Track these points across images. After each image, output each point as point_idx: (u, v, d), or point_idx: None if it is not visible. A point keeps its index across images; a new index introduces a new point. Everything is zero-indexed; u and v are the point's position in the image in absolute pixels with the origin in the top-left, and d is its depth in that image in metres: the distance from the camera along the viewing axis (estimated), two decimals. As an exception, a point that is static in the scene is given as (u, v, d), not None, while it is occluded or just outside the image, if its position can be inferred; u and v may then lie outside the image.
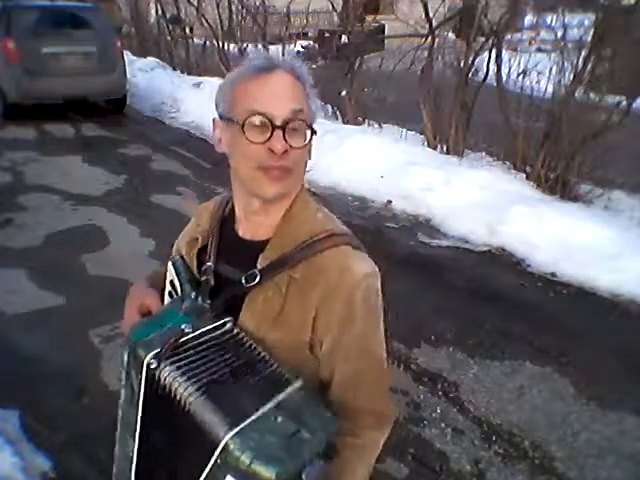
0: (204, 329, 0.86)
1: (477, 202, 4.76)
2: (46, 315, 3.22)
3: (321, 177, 5.35)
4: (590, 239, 4.03)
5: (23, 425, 2.38)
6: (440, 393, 2.68)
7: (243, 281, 0.91)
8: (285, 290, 0.90)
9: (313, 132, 0.91)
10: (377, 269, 0.94)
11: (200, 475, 0.77)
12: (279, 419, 0.76)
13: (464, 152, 5.97)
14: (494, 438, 2.42)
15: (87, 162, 6.22)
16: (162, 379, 0.79)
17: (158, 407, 0.82)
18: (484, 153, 5.99)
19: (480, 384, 2.75)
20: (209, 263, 0.97)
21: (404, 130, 6.65)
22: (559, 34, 5.24)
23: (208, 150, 6.90)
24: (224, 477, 0.74)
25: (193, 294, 0.94)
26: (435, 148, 6.15)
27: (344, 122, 7.25)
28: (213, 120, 0.96)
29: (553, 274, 3.88)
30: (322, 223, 0.96)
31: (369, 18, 8.65)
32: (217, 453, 0.74)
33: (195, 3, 10.43)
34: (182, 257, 1.03)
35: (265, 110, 0.86)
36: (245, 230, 0.99)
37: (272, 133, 0.86)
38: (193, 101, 8.81)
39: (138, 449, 0.88)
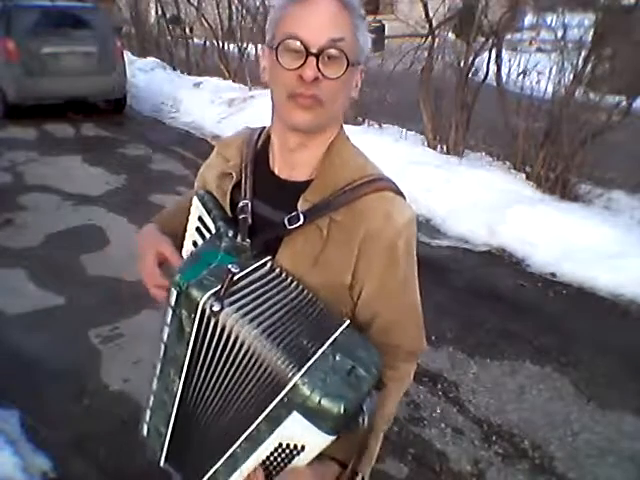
0: (250, 268, 0.86)
1: (477, 202, 4.76)
2: (46, 315, 3.22)
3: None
4: (590, 239, 4.03)
5: (23, 425, 2.38)
6: (440, 393, 2.68)
7: (286, 222, 0.89)
8: (326, 232, 0.89)
9: (351, 64, 0.85)
10: (415, 214, 0.96)
11: (259, 413, 0.80)
12: (337, 357, 0.79)
13: (464, 152, 5.97)
14: (494, 438, 2.42)
15: (87, 162, 6.22)
16: (222, 321, 0.80)
17: (210, 346, 0.83)
18: (484, 153, 5.99)
19: (480, 384, 2.75)
20: (246, 201, 0.94)
21: (404, 130, 6.65)
22: (559, 34, 5.24)
23: (208, 150, 6.88)
24: (289, 413, 0.77)
25: (230, 232, 0.91)
26: (435, 148, 6.15)
27: (344, 122, 7.25)
28: (262, 49, 0.94)
29: (553, 274, 3.88)
30: (363, 166, 0.95)
31: (369, 18, 8.65)
32: (285, 391, 0.76)
33: (195, 3, 10.44)
34: (209, 192, 1.00)
35: (301, 35, 0.83)
36: (281, 168, 0.96)
37: (305, 60, 0.82)
38: (193, 101, 8.82)
39: (183, 387, 0.88)
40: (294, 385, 0.76)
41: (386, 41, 9.77)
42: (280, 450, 0.81)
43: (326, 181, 0.92)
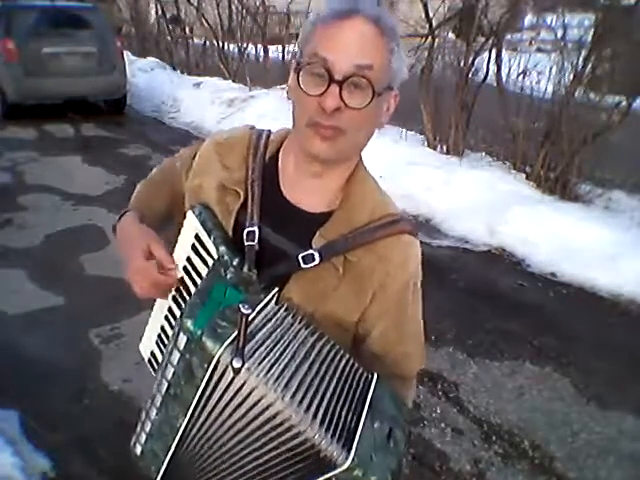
0: (260, 306, 0.80)
1: (477, 202, 4.76)
2: (46, 315, 3.22)
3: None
4: (590, 239, 4.03)
5: (23, 425, 2.38)
6: (440, 393, 2.68)
7: (300, 261, 0.85)
8: (342, 271, 0.86)
9: (377, 94, 0.79)
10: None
11: None
12: (375, 425, 0.77)
13: (464, 152, 5.97)
14: (494, 438, 2.42)
15: (87, 162, 6.22)
16: (242, 378, 0.73)
17: (224, 397, 0.77)
18: (484, 153, 5.99)
19: (480, 384, 2.75)
20: (253, 228, 0.87)
21: (404, 130, 6.65)
22: (559, 34, 5.24)
23: (208, 150, 6.89)
24: None
25: (235, 261, 0.85)
26: (435, 148, 6.15)
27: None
28: (292, 67, 0.87)
29: (553, 274, 3.88)
30: (383, 204, 0.92)
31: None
32: (334, 473, 0.73)
33: (195, 3, 10.44)
34: (206, 207, 0.92)
35: (326, 58, 0.77)
36: (292, 192, 0.90)
37: (328, 87, 0.77)
38: (193, 101, 8.82)
39: (186, 425, 0.82)
40: (347, 469, 0.72)
41: (386, 41, 9.76)
42: None
43: (345, 218, 0.88)
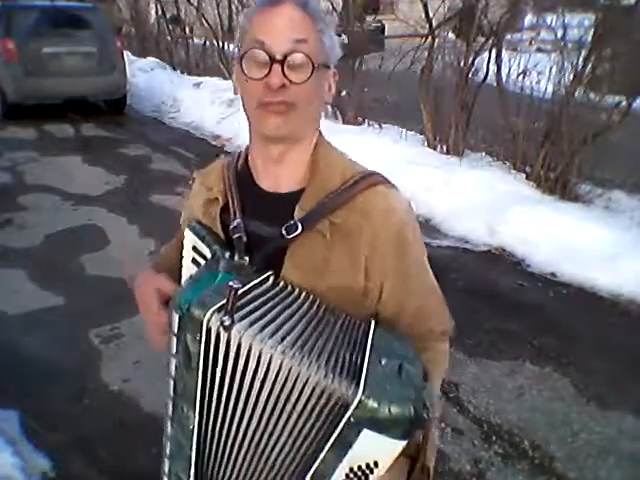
0: (252, 283, 0.81)
1: (477, 202, 4.76)
2: (46, 315, 3.22)
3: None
4: (590, 239, 4.03)
5: (23, 425, 2.38)
6: (440, 393, 2.68)
7: (284, 233, 0.87)
8: (329, 236, 0.88)
9: (316, 67, 0.84)
10: (409, 201, 0.96)
11: (321, 444, 0.75)
12: (383, 361, 0.77)
13: (464, 152, 5.97)
14: (494, 438, 2.42)
15: (87, 162, 6.22)
16: (234, 338, 0.73)
17: (225, 370, 0.75)
18: (484, 153, 5.99)
19: (480, 384, 2.75)
20: (237, 220, 0.92)
21: (404, 130, 6.65)
22: (559, 34, 5.24)
23: (208, 150, 6.90)
24: (358, 433, 0.72)
25: (227, 254, 0.88)
26: (435, 148, 6.15)
27: (344, 122, 7.25)
28: (234, 66, 0.93)
29: (553, 274, 3.88)
30: (351, 165, 0.95)
31: (369, 18, 8.66)
32: (350, 412, 0.71)
33: (195, 3, 10.44)
34: (199, 221, 0.97)
35: (263, 42, 0.83)
36: (266, 180, 0.94)
37: (270, 68, 0.82)
38: (193, 101, 8.82)
39: (199, 421, 0.80)
40: (360, 402, 0.71)
41: (386, 41, 9.78)
42: (351, 475, 0.76)
43: (318, 186, 0.91)
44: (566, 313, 3.44)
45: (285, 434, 0.77)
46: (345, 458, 0.75)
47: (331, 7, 8.42)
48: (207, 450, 0.83)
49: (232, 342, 0.74)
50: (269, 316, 0.77)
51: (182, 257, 0.96)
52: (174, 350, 0.79)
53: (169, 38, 12.04)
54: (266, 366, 0.73)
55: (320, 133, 0.96)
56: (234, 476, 0.84)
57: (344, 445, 0.74)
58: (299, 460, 0.78)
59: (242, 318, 0.74)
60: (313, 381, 0.72)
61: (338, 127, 6.70)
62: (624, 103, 4.61)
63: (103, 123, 7.95)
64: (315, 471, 0.77)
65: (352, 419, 0.72)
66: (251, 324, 0.74)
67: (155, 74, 10.98)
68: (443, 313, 1.03)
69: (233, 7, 9.62)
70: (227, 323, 0.72)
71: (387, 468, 0.76)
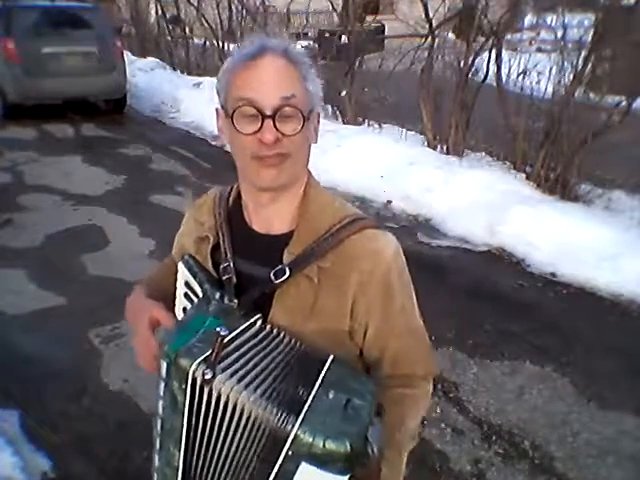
0: (239, 330, 0.84)
1: (477, 202, 4.76)
2: (46, 315, 3.22)
3: (321, 177, 5.27)
4: (590, 239, 4.03)
5: (23, 425, 2.38)
6: (440, 393, 2.68)
7: (272, 277, 0.89)
8: (317, 280, 0.90)
9: (307, 118, 0.87)
10: (398, 244, 0.97)
11: (267, 474, 0.78)
12: (330, 395, 0.78)
13: (464, 152, 5.97)
14: (494, 438, 2.42)
15: (87, 162, 6.22)
16: (216, 389, 0.78)
17: (207, 416, 0.80)
18: (484, 153, 5.99)
19: (480, 384, 2.75)
20: (228, 262, 0.94)
21: (404, 130, 6.65)
22: (559, 34, 5.24)
23: (208, 150, 6.91)
24: (297, 466, 0.75)
25: (217, 294, 0.90)
26: (435, 148, 6.15)
27: (344, 122, 7.26)
28: (216, 110, 0.94)
29: (553, 274, 3.88)
30: (340, 209, 0.96)
31: (369, 18, 8.65)
32: (288, 444, 0.74)
33: (195, 3, 10.44)
34: (192, 256, 0.99)
35: (253, 99, 0.84)
36: (257, 222, 0.96)
37: (262, 123, 0.83)
38: (193, 101, 8.81)
39: (184, 459, 0.85)
40: (295, 436, 0.73)
41: (386, 41, 9.77)
42: None
43: (307, 230, 0.92)
44: (566, 313, 3.44)
45: (245, 466, 0.81)
46: None
47: (331, 7, 8.44)
48: None
49: (214, 393, 0.78)
50: (248, 366, 0.80)
51: (176, 286, 1.00)
52: (162, 393, 0.83)
53: (169, 38, 12.03)
54: (236, 411, 0.78)
55: (309, 173, 0.98)
56: None
57: (286, 477, 0.76)
58: None
59: (224, 369, 0.78)
60: (263, 419, 0.76)
61: (338, 127, 6.69)
62: (624, 103, 4.61)
63: (103, 123, 7.95)
64: None
65: (290, 452, 0.75)
66: (231, 375, 0.78)
67: (155, 74, 10.98)
68: (428, 357, 1.02)
69: (233, 7, 9.62)
70: (208, 377, 0.77)
71: None
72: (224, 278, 0.93)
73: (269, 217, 0.95)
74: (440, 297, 3.54)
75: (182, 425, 0.82)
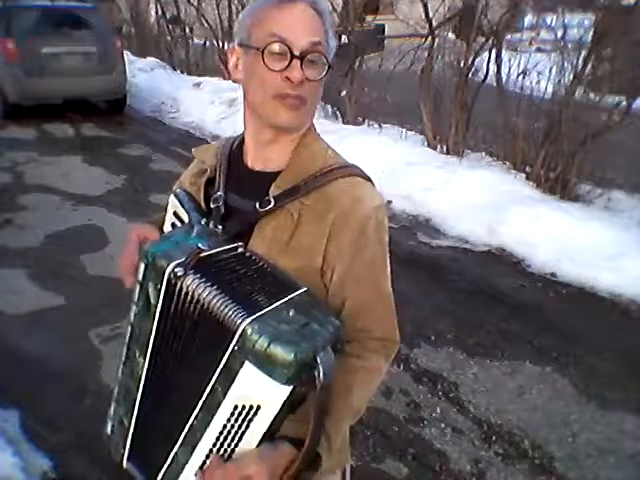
0: (219, 249, 0.87)
1: (477, 202, 4.76)
2: (46, 315, 3.22)
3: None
4: (590, 239, 4.03)
5: (23, 425, 2.38)
6: (440, 393, 2.68)
7: (257, 206, 0.92)
8: (297, 216, 0.92)
9: (329, 67, 0.91)
10: (384, 201, 0.99)
11: (214, 372, 0.78)
12: (291, 312, 0.78)
13: (464, 152, 5.97)
14: (494, 438, 2.42)
15: (87, 162, 6.22)
16: (185, 286, 0.79)
17: (175, 317, 0.82)
18: (484, 153, 5.99)
19: (480, 384, 2.75)
20: (219, 192, 0.98)
21: (404, 130, 6.65)
22: (559, 34, 5.24)
23: (208, 150, 6.90)
24: (241, 365, 0.75)
25: (203, 220, 0.93)
26: (435, 148, 6.15)
27: (344, 122, 7.26)
28: (232, 48, 0.96)
29: (553, 274, 3.88)
30: (333, 157, 0.99)
31: (369, 18, 8.65)
32: (235, 340, 0.75)
33: (195, 3, 10.44)
34: (184, 190, 1.03)
35: (286, 38, 0.86)
36: (255, 161, 1.00)
37: (290, 62, 0.86)
38: (193, 101, 8.82)
39: (148, 367, 0.87)
40: (243, 331, 0.74)
41: (386, 41, 9.77)
42: (236, 415, 0.78)
43: (297, 169, 0.95)
44: (566, 313, 3.44)
45: (197, 364, 0.82)
46: (230, 391, 0.77)
47: (331, 7, 8.43)
48: (149, 392, 0.89)
49: (183, 291, 0.80)
50: (221, 274, 0.82)
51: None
52: (136, 298, 0.86)
53: (169, 38, 12.04)
54: (197, 306, 0.79)
55: (312, 124, 1.01)
56: (161, 418, 0.89)
57: (229, 375, 0.76)
58: (197, 389, 0.81)
59: (197, 271, 0.80)
60: (220, 313, 0.77)
61: (338, 127, 6.69)
62: (624, 103, 4.61)
63: (103, 123, 7.95)
64: (204, 401, 0.80)
65: (236, 347, 0.75)
66: (202, 276, 0.80)
67: (155, 74, 10.98)
68: (388, 321, 0.99)
69: (233, 7, 9.62)
70: (180, 273, 0.79)
71: (270, 420, 0.78)
72: (213, 207, 0.96)
73: (266, 156, 0.98)
74: (440, 297, 3.54)
75: (151, 328, 0.84)
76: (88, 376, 2.71)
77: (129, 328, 0.89)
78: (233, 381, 0.76)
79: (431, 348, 3.01)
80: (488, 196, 4.80)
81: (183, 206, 0.97)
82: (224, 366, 0.77)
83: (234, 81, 1.00)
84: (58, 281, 3.60)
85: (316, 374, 0.74)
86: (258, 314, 0.76)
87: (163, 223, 1.03)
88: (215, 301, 0.78)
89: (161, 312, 0.83)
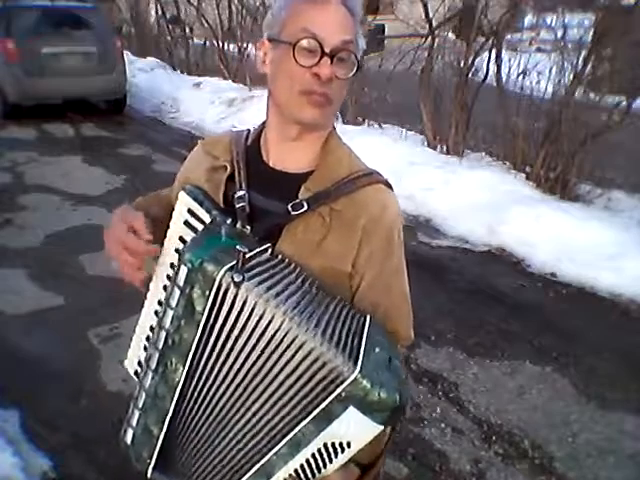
0: (256, 251, 0.83)
1: (477, 202, 4.76)
2: (45, 315, 3.21)
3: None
4: (590, 239, 4.03)
5: (23, 425, 2.38)
6: (440, 393, 2.68)
7: (290, 209, 0.91)
8: (329, 220, 0.92)
9: (359, 66, 0.90)
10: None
11: (305, 413, 0.76)
12: (376, 350, 0.79)
13: (464, 152, 5.97)
14: (494, 438, 2.41)
15: (87, 162, 6.22)
16: (242, 294, 0.74)
17: (224, 327, 0.77)
18: (484, 153, 5.99)
19: (480, 384, 2.75)
20: (242, 192, 0.94)
21: (404, 130, 6.65)
22: (559, 34, 5.24)
23: (208, 150, 6.90)
24: (344, 410, 0.74)
25: (229, 220, 0.87)
26: (435, 148, 6.15)
27: (344, 122, 7.25)
28: (262, 42, 0.95)
29: (553, 274, 3.88)
30: (358, 162, 1.00)
31: (369, 18, 8.65)
32: (343, 387, 0.73)
33: (195, 3, 10.44)
34: (197, 186, 0.96)
35: (318, 34, 0.86)
36: (276, 160, 0.98)
37: (320, 59, 0.86)
38: (193, 101, 8.82)
39: (185, 377, 0.81)
40: (355, 379, 0.72)
41: (386, 41, 9.77)
42: (322, 451, 0.78)
43: (326, 173, 0.95)
44: (566, 313, 3.44)
45: (269, 395, 0.79)
46: (323, 432, 0.76)
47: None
48: (185, 406, 0.84)
49: (238, 299, 0.75)
50: (272, 280, 0.79)
51: (166, 217, 0.94)
52: (173, 303, 0.79)
53: (169, 38, 12.04)
54: (265, 325, 0.75)
55: (334, 126, 1.02)
56: (207, 434, 0.85)
57: (327, 419, 0.75)
58: (279, 424, 0.79)
59: (251, 278, 0.76)
60: (309, 346, 0.74)
61: (338, 127, 6.67)
62: (624, 103, 4.61)
63: (103, 123, 7.95)
64: (292, 438, 0.78)
65: (343, 394, 0.73)
66: (259, 284, 0.75)
67: (155, 74, 10.98)
68: (409, 322, 1.04)
69: (233, 7, 9.62)
70: (238, 280, 0.74)
71: (353, 454, 0.78)
72: (238, 206, 0.93)
73: (289, 154, 0.97)
74: (440, 297, 3.54)
75: (194, 337, 0.78)
76: (87, 376, 2.71)
77: (162, 333, 0.81)
78: (330, 423, 0.75)
79: (431, 348, 3.01)
80: (488, 196, 4.80)
81: (201, 204, 0.90)
82: (323, 409, 0.75)
83: (259, 75, 0.96)
84: (58, 281, 3.60)
85: (406, 409, 0.78)
86: (361, 359, 0.74)
87: (155, 216, 0.96)
88: (301, 332, 0.74)
89: (207, 322, 0.78)
